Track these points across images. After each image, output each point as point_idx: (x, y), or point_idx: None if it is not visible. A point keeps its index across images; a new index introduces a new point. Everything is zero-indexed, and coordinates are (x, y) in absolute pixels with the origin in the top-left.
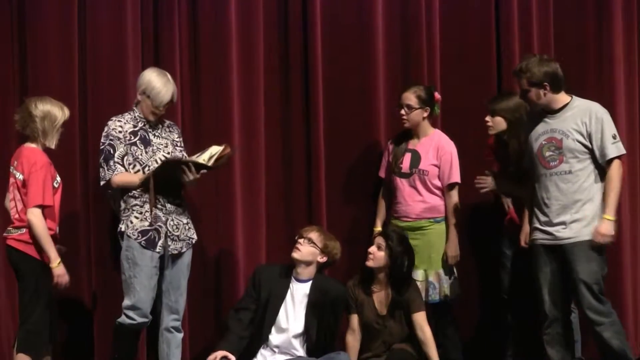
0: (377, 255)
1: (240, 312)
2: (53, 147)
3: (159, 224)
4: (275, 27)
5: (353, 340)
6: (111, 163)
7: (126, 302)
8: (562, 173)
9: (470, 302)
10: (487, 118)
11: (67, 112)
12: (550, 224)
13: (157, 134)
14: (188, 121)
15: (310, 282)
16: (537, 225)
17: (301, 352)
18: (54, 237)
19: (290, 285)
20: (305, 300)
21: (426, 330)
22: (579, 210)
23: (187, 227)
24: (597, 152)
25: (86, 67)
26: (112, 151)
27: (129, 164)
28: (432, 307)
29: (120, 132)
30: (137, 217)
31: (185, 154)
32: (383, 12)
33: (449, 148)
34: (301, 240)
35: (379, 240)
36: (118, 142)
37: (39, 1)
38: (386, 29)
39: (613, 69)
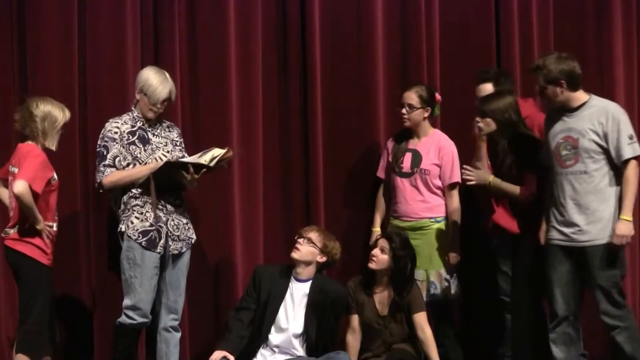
0: (380, 257)
1: (240, 312)
2: (53, 148)
3: (160, 224)
4: (274, 27)
5: (353, 340)
6: (101, 166)
7: (126, 302)
8: (577, 173)
9: (469, 302)
10: (477, 119)
11: (67, 113)
12: (566, 223)
13: (156, 133)
14: (187, 121)
15: (310, 282)
16: (554, 224)
17: (301, 351)
18: (53, 237)
19: (290, 285)
20: (305, 300)
21: (427, 331)
22: (594, 212)
23: (186, 227)
24: (613, 153)
25: (86, 67)
26: (105, 153)
27: (128, 164)
28: (432, 307)
29: (116, 132)
30: (137, 218)
31: (185, 154)
32: (382, 12)
33: (451, 148)
34: (301, 240)
35: (382, 242)
36: (112, 143)
37: (39, 1)
38: (385, 29)
39: (613, 69)
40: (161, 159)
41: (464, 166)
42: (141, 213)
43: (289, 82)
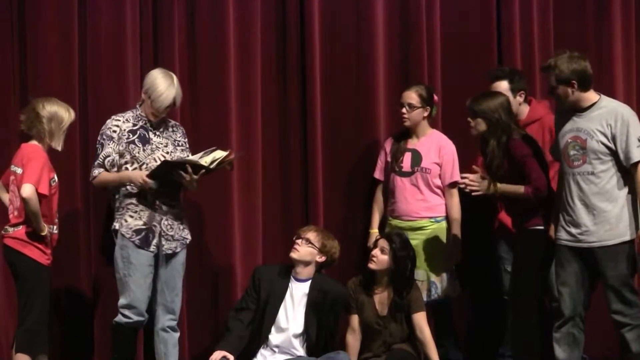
0: (380, 258)
1: (240, 312)
2: (59, 148)
3: (154, 223)
4: (273, 27)
5: (353, 340)
6: (95, 164)
7: (122, 301)
8: (584, 173)
9: (468, 302)
10: (469, 119)
11: (73, 114)
12: (574, 223)
13: (158, 133)
14: (186, 121)
15: (309, 282)
16: (562, 223)
17: (301, 351)
18: (54, 241)
19: (290, 284)
20: (304, 300)
21: (425, 331)
22: (602, 213)
23: (181, 228)
24: (621, 155)
25: (86, 67)
26: (99, 151)
27: (126, 162)
28: (432, 307)
29: (114, 131)
30: (131, 216)
31: (188, 154)
32: (382, 11)
33: (451, 147)
34: (299, 241)
35: (382, 243)
36: (109, 141)
37: (39, 1)
38: (386, 29)
39: (613, 69)
40: (160, 160)
41: (467, 175)
42: (135, 212)
43: (288, 82)
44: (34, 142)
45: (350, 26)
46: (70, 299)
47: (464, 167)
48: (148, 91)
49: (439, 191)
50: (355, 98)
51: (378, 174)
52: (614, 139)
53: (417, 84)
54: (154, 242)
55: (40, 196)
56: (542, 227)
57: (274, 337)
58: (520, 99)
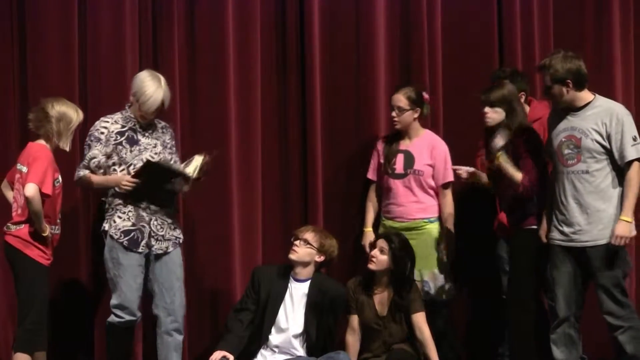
0: (379, 258)
1: (240, 313)
2: (67, 149)
3: (142, 224)
4: (273, 26)
5: (353, 340)
6: (80, 165)
7: (113, 301)
8: (579, 172)
9: (467, 302)
10: (487, 109)
11: (81, 114)
12: (567, 222)
13: (147, 134)
14: (185, 121)
15: (308, 282)
16: (555, 223)
17: (301, 351)
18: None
19: (289, 285)
20: (304, 300)
21: (425, 331)
22: (595, 212)
23: (172, 227)
24: (616, 154)
25: (86, 67)
26: (86, 152)
27: (114, 164)
28: (428, 307)
29: (102, 133)
30: (120, 217)
31: (175, 157)
32: (383, 10)
33: (443, 147)
34: (297, 242)
35: (382, 243)
36: (96, 143)
37: (39, 1)
38: (386, 28)
39: (612, 69)
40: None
41: (460, 167)
42: (124, 212)
43: (288, 82)
44: (41, 142)
45: (350, 26)
46: (70, 299)
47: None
48: (136, 94)
49: (432, 192)
50: (355, 98)
51: (371, 175)
52: (609, 137)
53: (404, 86)
54: (143, 242)
55: (44, 196)
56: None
57: (274, 338)
58: (521, 99)
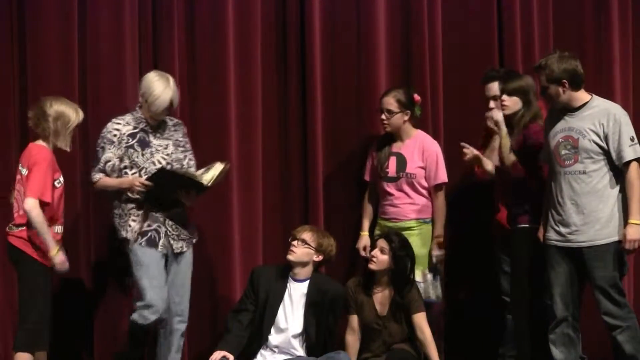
0: (380, 258)
1: (239, 313)
2: (67, 148)
3: (157, 224)
4: (273, 26)
5: (353, 340)
6: (95, 169)
7: (139, 302)
8: (576, 173)
9: (468, 303)
10: (504, 97)
11: (81, 114)
12: (563, 222)
13: (158, 135)
14: (185, 121)
15: (307, 282)
16: (552, 223)
17: (301, 351)
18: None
19: (288, 285)
20: (303, 300)
21: (426, 331)
22: (592, 213)
23: (186, 226)
24: (613, 155)
25: (86, 67)
26: (99, 155)
27: (125, 167)
28: None
29: (115, 135)
30: (134, 220)
31: (188, 155)
32: (384, 11)
33: (434, 148)
34: (295, 242)
35: (382, 243)
36: (109, 145)
37: (38, 1)
38: (387, 28)
39: (612, 69)
40: (159, 163)
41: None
42: (137, 215)
43: (288, 82)
44: (40, 142)
45: (350, 26)
46: (70, 299)
47: (466, 167)
48: (145, 95)
49: (425, 192)
50: (356, 98)
51: (367, 176)
52: (606, 138)
53: (394, 88)
54: (161, 242)
55: (45, 204)
56: (535, 226)
57: (274, 338)
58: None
